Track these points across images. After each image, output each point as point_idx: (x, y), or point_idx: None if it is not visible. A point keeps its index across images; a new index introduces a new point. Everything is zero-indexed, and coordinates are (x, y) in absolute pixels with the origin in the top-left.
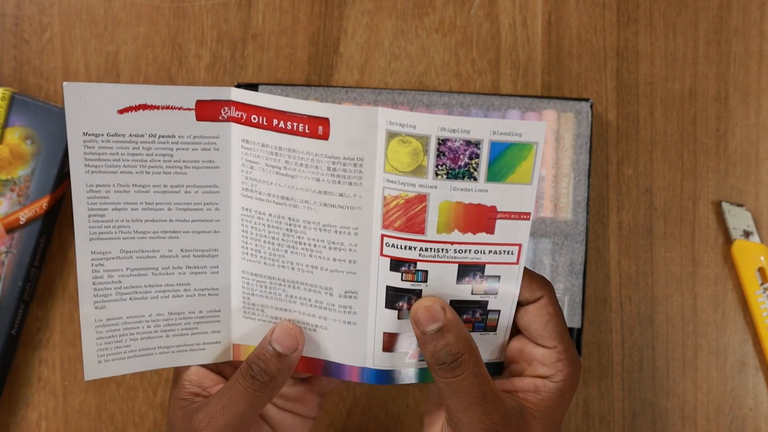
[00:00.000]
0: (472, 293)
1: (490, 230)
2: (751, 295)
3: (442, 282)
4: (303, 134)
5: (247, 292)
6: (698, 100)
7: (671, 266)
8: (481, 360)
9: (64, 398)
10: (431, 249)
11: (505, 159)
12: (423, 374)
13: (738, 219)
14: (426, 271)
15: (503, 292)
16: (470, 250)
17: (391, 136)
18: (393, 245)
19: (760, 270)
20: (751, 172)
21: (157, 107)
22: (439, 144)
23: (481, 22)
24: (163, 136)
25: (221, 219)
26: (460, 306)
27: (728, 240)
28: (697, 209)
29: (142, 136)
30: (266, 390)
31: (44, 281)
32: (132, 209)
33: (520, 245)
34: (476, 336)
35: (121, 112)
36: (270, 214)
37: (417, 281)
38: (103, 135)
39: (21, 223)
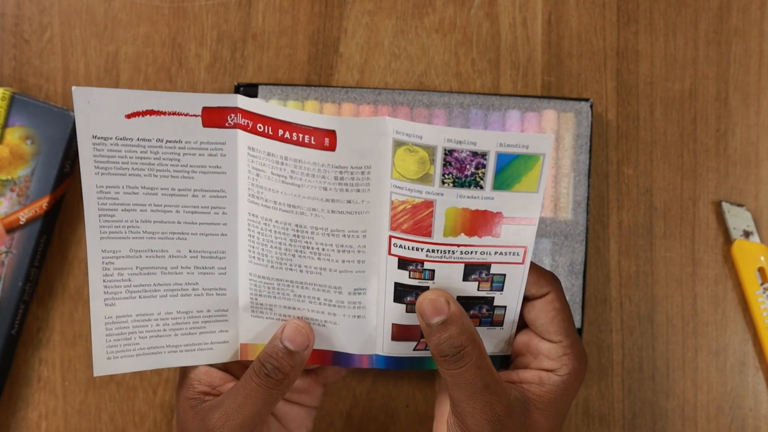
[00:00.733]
0: (478, 290)
1: (497, 234)
2: (751, 295)
3: (449, 280)
4: (309, 145)
5: (255, 293)
6: (698, 100)
7: (671, 266)
8: (484, 352)
9: (64, 398)
10: (438, 250)
11: (511, 169)
12: (431, 361)
13: (738, 219)
14: (433, 270)
15: (509, 290)
16: (476, 252)
17: (398, 144)
18: (400, 246)
19: (760, 270)
20: (751, 172)
21: (164, 113)
22: (445, 154)
23: (481, 22)
24: (170, 141)
25: (228, 222)
26: (466, 302)
27: (728, 240)
28: (697, 209)
29: (149, 140)
30: (280, 387)
31: (44, 281)
32: (141, 210)
33: (525, 247)
34: (483, 330)
35: (128, 116)
36: (277, 221)
37: (424, 279)
38: (111, 138)
39: (21, 223)
